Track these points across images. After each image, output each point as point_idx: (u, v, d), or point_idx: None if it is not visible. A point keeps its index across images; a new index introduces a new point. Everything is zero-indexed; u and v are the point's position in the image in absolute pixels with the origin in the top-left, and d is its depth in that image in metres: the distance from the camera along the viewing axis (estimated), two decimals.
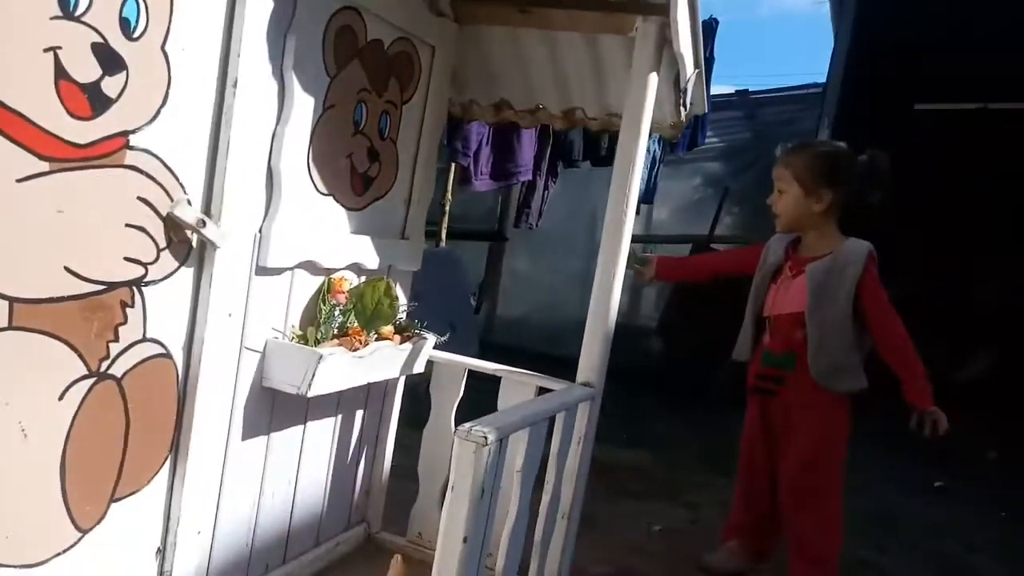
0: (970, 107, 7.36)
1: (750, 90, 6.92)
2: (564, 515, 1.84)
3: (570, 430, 1.74)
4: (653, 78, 1.79)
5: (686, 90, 1.99)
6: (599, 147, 4.64)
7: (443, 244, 5.19)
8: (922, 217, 7.24)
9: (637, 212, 6.03)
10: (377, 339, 1.78)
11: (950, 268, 7.38)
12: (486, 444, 1.29)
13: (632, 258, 2.32)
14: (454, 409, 2.04)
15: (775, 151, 2.57)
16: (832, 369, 2.32)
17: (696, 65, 1.99)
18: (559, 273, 6.63)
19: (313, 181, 1.67)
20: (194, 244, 1.39)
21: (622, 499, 3.28)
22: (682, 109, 2.05)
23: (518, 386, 1.93)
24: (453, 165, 4.47)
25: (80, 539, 1.26)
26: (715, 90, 6.08)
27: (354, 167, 1.80)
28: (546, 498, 1.73)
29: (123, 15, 1.20)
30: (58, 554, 1.24)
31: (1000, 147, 6.99)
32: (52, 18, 1.11)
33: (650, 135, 2.16)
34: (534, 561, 1.74)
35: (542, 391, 1.87)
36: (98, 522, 1.29)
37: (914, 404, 2.29)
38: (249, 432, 1.60)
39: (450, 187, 4.80)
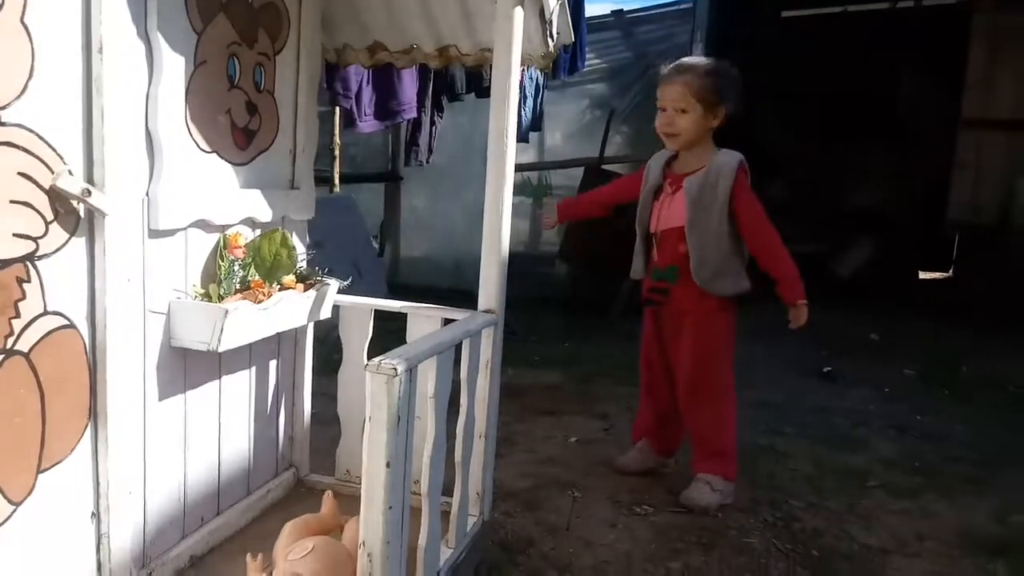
0: (834, 11, 7.72)
1: (625, 9, 7.01)
2: (481, 435, 1.96)
3: (476, 355, 1.84)
4: (519, 12, 1.85)
5: (551, 21, 2.07)
6: (481, 78, 4.66)
7: (337, 190, 5.16)
8: (795, 120, 7.63)
9: (526, 140, 6.09)
10: (280, 290, 1.82)
11: (824, 168, 7.84)
12: (396, 375, 1.38)
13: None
14: (365, 349, 2.11)
15: (658, 70, 2.67)
16: (714, 275, 2.52)
17: None
18: (457, 207, 6.68)
19: (194, 139, 1.67)
20: (82, 214, 1.39)
21: (538, 418, 3.46)
22: (549, 40, 2.13)
23: (424, 320, 2.02)
24: (337, 109, 4.42)
25: (14, 512, 1.29)
26: (591, 11, 6.17)
27: (234, 122, 1.81)
28: (461, 420, 1.84)
29: None
30: None
31: (862, 47, 7.38)
32: None
33: (523, 67, 2.23)
34: (457, 480, 1.86)
35: (447, 323, 1.97)
36: (29, 494, 1.32)
37: (784, 299, 2.53)
38: (165, 392, 1.63)
39: (336, 131, 4.75)
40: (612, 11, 7.05)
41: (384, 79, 4.20)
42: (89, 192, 1.37)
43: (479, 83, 4.72)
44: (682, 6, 6.54)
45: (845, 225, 7.55)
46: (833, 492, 2.81)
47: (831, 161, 7.84)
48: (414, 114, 4.51)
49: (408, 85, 4.36)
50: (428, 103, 4.59)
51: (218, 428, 1.84)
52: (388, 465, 1.41)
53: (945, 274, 7.95)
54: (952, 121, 6.67)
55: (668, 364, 2.71)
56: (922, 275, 8.03)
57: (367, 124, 4.26)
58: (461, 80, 4.69)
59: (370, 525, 1.41)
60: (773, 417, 3.62)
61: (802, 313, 2.52)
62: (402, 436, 1.44)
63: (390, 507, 1.41)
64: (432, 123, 4.73)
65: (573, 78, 6.76)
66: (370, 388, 1.39)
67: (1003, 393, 4.26)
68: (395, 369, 1.37)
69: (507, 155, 1.91)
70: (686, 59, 2.61)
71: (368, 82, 4.16)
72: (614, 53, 7.57)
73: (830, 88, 7.46)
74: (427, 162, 4.91)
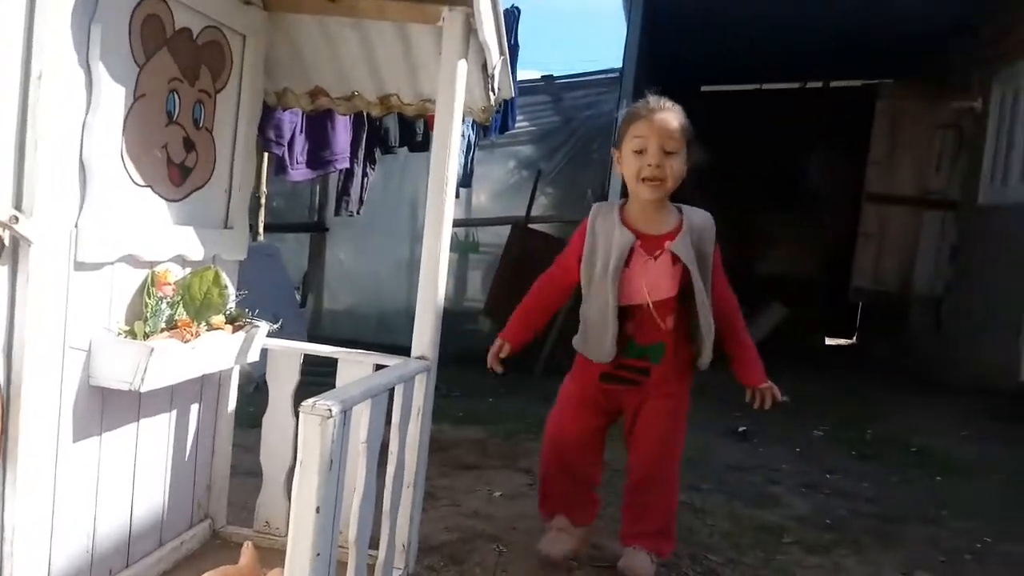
0: (748, 88, 8.18)
1: (555, 75, 7.25)
2: (409, 484, 1.93)
3: (409, 401, 1.83)
4: (462, 65, 1.91)
5: (493, 76, 2.13)
6: (415, 132, 4.73)
7: (261, 238, 5.07)
8: (713, 187, 7.98)
9: (457, 196, 6.18)
10: (208, 330, 1.78)
11: (737, 236, 8.18)
12: (330, 416, 1.35)
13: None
14: (292, 396, 2.06)
15: (631, 108, 2.30)
16: (709, 351, 2.25)
17: (501, 52, 2.13)
18: (383, 261, 6.66)
19: (128, 173, 1.64)
20: (6, 242, 1.34)
21: (462, 472, 3.41)
22: (491, 94, 2.19)
23: (355, 366, 1.99)
24: (266, 155, 4.38)
25: None
26: (522, 75, 6.34)
27: (170, 157, 1.78)
28: (391, 469, 1.81)
29: None
30: None
31: (774, 122, 7.83)
32: None
33: (463, 119, 2.28)
34: (384, 531, 1.82)
35: (379, 368, 1.95)
36: None
37: (751, 383, 2.28)
38: (80, 433, 1.55)
39: (264, 178, 4.70)
40: (542, 76, 7.28)
41: (318, 128, 4.20)
42: (16, 219, 1.32)
43: (412, 137, 4.77)
44: (610, 75, 6.81)
45: (756, 291, 7.86)
46: (750, 548, 2.85)
47: (744, 230, 8.19)
48: (346, 164, 4.51)
49: (342, 135, 4.37)
50: (361, 154, 4.60)
51: (133, 474, 1.76)
52: (318, 510, 1.37)
53: (849, 340, 8.33)
54: (856, 195, 7.10)
55: (600, 435, 2.42)
56: (828, 340, 8.40)
57: (299, 172, 4.23)
58: (395, 133, 4.73)
59: (297, 572, 1.36)
60: (690, 473, 3.65)
61: (774, 390, 2.31)
62: (333, 481, 1.41)
63: (318, 554, 1.37)
64: (364, 174, 4.73)
65: (502, 139, 6.91)
66: (303, 429, 1.36)
67: (905, 452, 4.45)
68: (330, 410, 1.35)
69: (446, 204, 1.94)
70: (661, 98, 2.23)
71: (302, 130, 4.15)
72: (542, 117, 7.79)
73: (743, 160, 7.85)
74: (358, 212, 4.90)
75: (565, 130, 7.52)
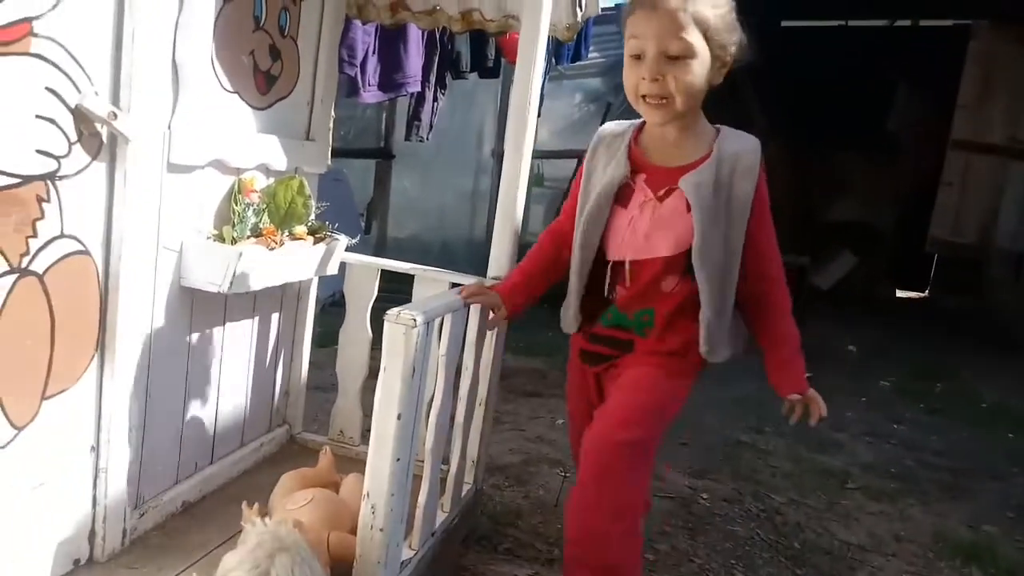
0: (832, 24, 7.79)
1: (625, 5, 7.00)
2: (481, 402, 1.95)
3: (485, 319, 1.83)
4: None
5: None
6: (486, 57, 4.64)
7: (328, 162, 5.10)
8: (788, 128, 7.70)
9: None
10: (291, 239, 1.79)
11: (810, 177, 7.91)
12: (415, 325, 1.36)
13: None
14: (368, 310, 2.09)
15: None
16: (726, 335, 1.60)
17: None
18: (447, 190, 6.64)
19: (218, 77, 1.64)
20: (104, 139, 1.36)
21: (524, 399, 3.45)
22: (578, 9, 2.11)
23: (432, 283, 1.99)
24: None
25: (15, 436, 1.26)
26: None
27: (257, 65, 1.77)
28: (464, 385, 1.83)
29: None
30: None
31: (858, 60, 7.46)
32: None
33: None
34: (456, 445, 1.85)
35: (454, 287, 1.95)
36: (32, 420, 1.28)
37: (784, 391, 1.62)
38: (171, 332, 1.60)
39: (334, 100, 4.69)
40: (615, 4, 7.04)
41: (391, 49, 4.15)
42: (115, 115, 1.33)
43: (483, 62, 4.68)
44: None
45: (827, 237, 7.63)
46: (813, 491, 2.83)
47: (817, 171, 7.91)
48: (418, 88, 4.45)
49: (414, 58, 4.30)
50: (433, 78, 4.54)
51: (218, 375, 1.81)
52: (399, 417, 1.39)
53: (922, 293, 8.06)
54: (941, 141, 6.77)
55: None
56: (900, 292, 8.15)
57: (371, 94, 4.20)
58: (466, 57, 4.64)
59: (376, 476, 1.39)
60: (752, 415, 3.64)
61: (819, 403, 1.62)
62: (415, 389, 1.42)
63: (398, 459, 1.40)
64: (435, 99, 4.67)
65: (570, 70, 6.74)
66: (388, 337, 1.36)
67: (975, 409, 4.33)
68: (414, 320, 1.36)
69: (528, 124, 1.89)
70: None
71: (374, 52, 4.09)
72: (611, 48, 7.57)
73: (823, 99, 7.53)
74: (427, 138, 4.86)
75: None
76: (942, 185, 6.78)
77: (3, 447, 1.24)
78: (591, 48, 6.16)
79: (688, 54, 1.45)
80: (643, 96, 1.50)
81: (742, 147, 1.55)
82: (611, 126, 1.70)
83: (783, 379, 1.62)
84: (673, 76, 1.45)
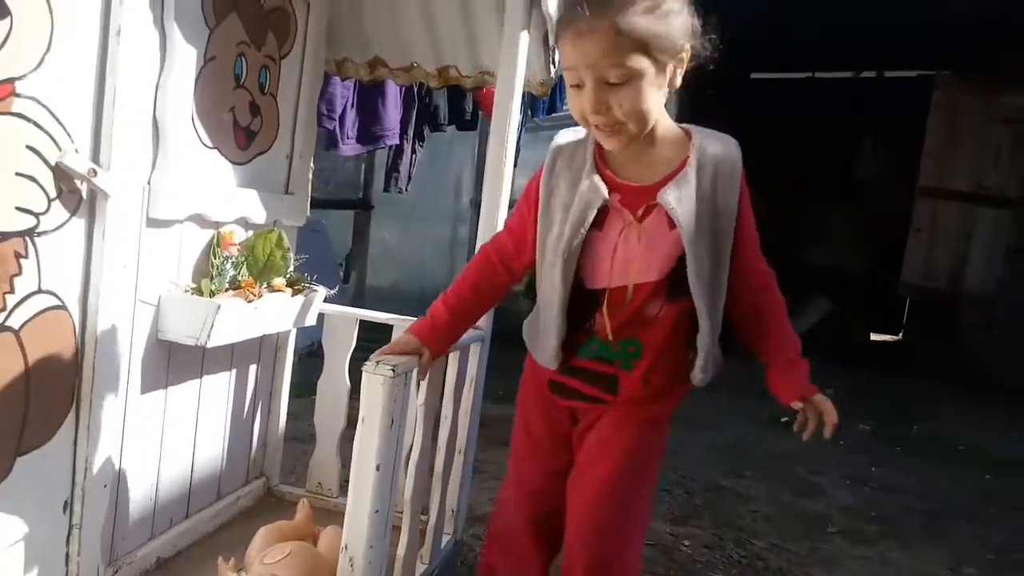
0: (799, 76, 8.02)
1: None
2: (460, 451, 1.95)
3: (464, 369, 1.84)
4: (524, 36, 1.90)
5: (555, 49, 2.12)
6: (464, 110, 4.72)
7: (307, 214, 5.13)
8: (759, 176, 7.88)
9: None
10: (270, 292, 1.81)
11: (784, 225, 8.05)
12: (393, 376, 1.37)
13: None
14: (347, 360, 2.09)
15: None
16: (714, 358, 1.44)
17: None
18: (426, 240, 6.68)
19: (198, 134, 1.67)
20: (84, 195, 1.37)
21: (503, 448, 3.41)
22: (552, 67, 2.18)
23: None
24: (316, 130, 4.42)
25: None
26: None
27: (237, 121, 1.81)
28: (443, 435, 1.83)
29: None
30: None
31: (826, 111, 7.68)
32: None
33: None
34: (435, 495, 1.84)
35: None
36: (4, 476, 1.27)
37: (790, 397, 1.43)
38: (148, 386, 1.60)
39: (313, 153, 4.74)
40: None
41: (369, 103, 4.22)
42: (95, 172, 1.35)
43: (461, 115, 4.77)
44: None
45: (801, 282, 7.74)
46: (794, 535, 2.83)
47: (791, 218, 8.06)
48: (396, 140, 4.52)
49: (392, 111, 4.38)
50: (411, 131, 4.61)
51: (195, 428, 1.80)
52: (378, 468, 1.39)
53: (895, 337, 8.17)
54: (909, 188, 6.94)
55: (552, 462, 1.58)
56: (874, 336, 8.25)
57: (349, 147, 4.26)
58: (444, 110, 4.73)
59: (355, 528, 1.38)
60: (732, 460, 3.65)
61: (829, 406, 1.42)
62: (393, 440, 1.42)
63: (376, 511, 1.39)
64: (413, 151, 4.74)
65: (546, 121, 6.87)
66: (366, 389, 1.37)
67: (953, 450, 4.37)
68: (393, 370, 1.37)
69: (504, 175, 1.94)
70: None
71: (353, 105, 4.17)
72: None
73: (793, 149, 7.72)
74: (406, 189, 4.92)
75: None
76: (912, 231, 6.92)
77: None
78: (566, 100, 6.29)
79: (629, 78, 1.26)
80: (594, 125, 1.33)
81: (722, 150, 1.39)
82: (566, 136, 1.48)
83: (789, 383, 1.43)
84: (618, 103, 1.28)
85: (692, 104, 6.19)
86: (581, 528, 1.45)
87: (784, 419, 4.56)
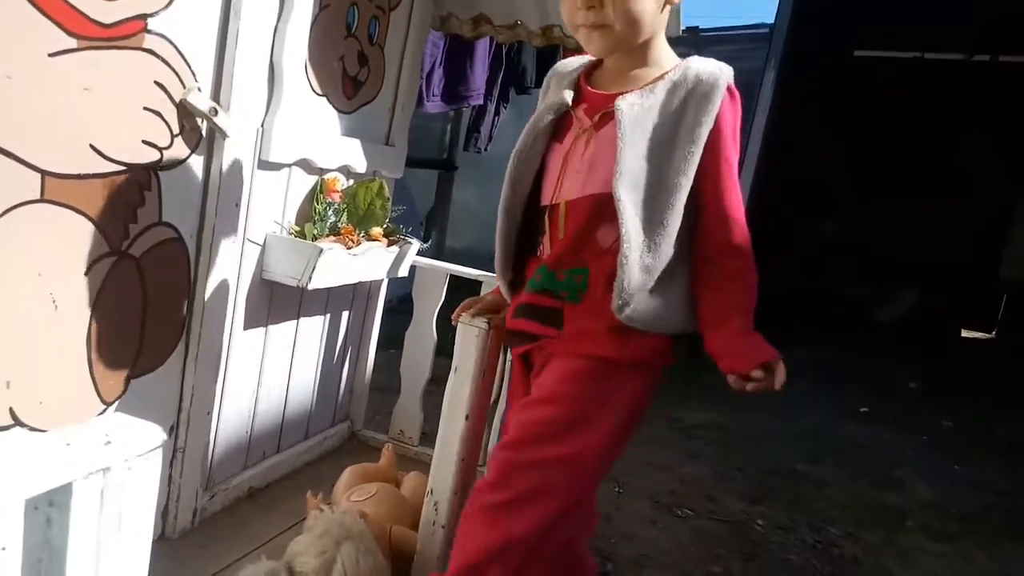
0: (907, 56, 7.64)
1: (700, 28, 7.00)
2: None
3: None
4: None
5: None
6: None
7: None
8: (857, 158, 7.58)
9: None
10: (367, 240, 1.84)
11: (879, 211, 7.75)
12: (488, 328, 1.39)
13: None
14: (435, 314, 2.12)
15: None
16: (659, 298, 1.22)
17: None
18: None
19: (309, 80, 1.70)
20: (204, 133, 1.42)
21: None
22: None
23: None
24: None
25: (104, 411, 1.32)
26: None
27: (346, 70, 1.83)
28: None
29: None
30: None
31: (933, 96, 7.31)
32: None
33: None
34: None
35: None
36: (120, 396, 1.35)
37: (757, 356, 1.22)
38: (250, 322, 1.66)
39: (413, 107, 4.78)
40: (687, 28, 7.04)
41: (456, 63, 4.22)
42: (216, 111, 1.39)
43: None
44: (759, 30, 6.52)
45: (893, 271, 7.46)
46: (871, 526, 2.76)
47: (887, 205, 7.74)
48: (480, 101, 4.52)
49: (479, 72, 4.37)
50: (496, 92, 4.60)
51: (289, 367, 1.86)
52: (467, 418, 1.42)
53: (989, 335, 7.81)
54: (1015, 179, 6.58)
55: None
56: (965, 333, 7.91)
57: (434, 104, 4.27)
58: (531, 73, 4.70)
59: (441, 474, 1.42)
60: (810, 446, 3.58)
61: (783, 368, 1.24)
62: (483, 392, 1.44)
63: (462, 459, 1.42)
64: (497, 112, 4.73)
65: None
66: (461, 340, 1.40)
67: None
68: (488, 323, 1.39)
69: None
70: None
71: (440, 64, 4.17)
72: None
73: (896, 131, 7.40)
74: (485, 149, 4.92)
75: None
76: (1015, 223, 6.57)
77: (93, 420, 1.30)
78: None
79: None
80: (580, 26, 1.25)
81: (706, 72, 1.22)
82: (568, 60, 1.41)
83: (745, 348, 1.22)
84: (611, 1, 1.19)
85: (793, 76, 6.00)
86: (489, 466, 1.26)
87: (863, 409, 4.45)
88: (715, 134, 1.21)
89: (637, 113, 1.21)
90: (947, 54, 7.41)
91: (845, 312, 7.06)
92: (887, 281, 7.29)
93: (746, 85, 6.59)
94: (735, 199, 1.25)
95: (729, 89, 1.22)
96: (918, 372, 5.87)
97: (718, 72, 1.22)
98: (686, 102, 1.21)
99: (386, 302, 2.23)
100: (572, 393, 1.24)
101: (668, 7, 1.24)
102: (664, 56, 1.28)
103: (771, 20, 6.11)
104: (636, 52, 1.26)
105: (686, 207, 1.21)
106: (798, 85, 6.27)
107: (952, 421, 4.64)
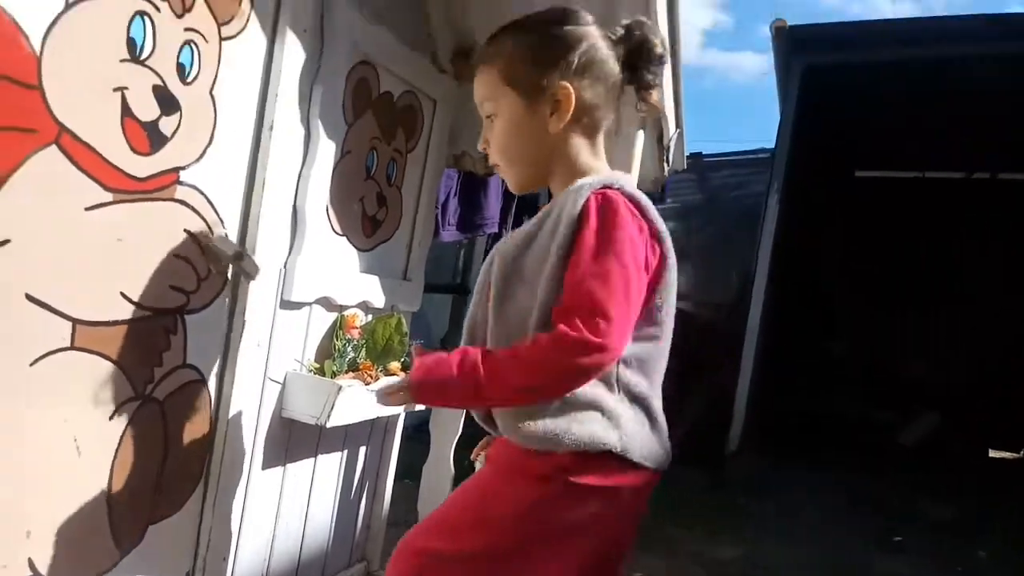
0: (908, 175, 7.84)
1: (703, 153, 7.24)
2: None
3: None
4: (640, 136, 1.95)
5: (669, 147, 2.16)
6: None
7: None
8: (863, 278, 7.63)
9: None
10: (385, 374, 1.84)
11: (892, 333, 7.73)
12: None
13: None
14: (452, 446, 2.10)
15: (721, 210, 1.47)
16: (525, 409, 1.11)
17: (678, 124, 2.17)
18: None
19: (330, 222, 1.76)
20: (229, 276, 1.46)
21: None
22: (665, 164, 2.21)
23: None
24: None
25: (119, 560, 1.29)
26: None
27: (365, 210, 1.90)
28: None
29: (180, 60, 1.30)
30: (100, 574, 1.26)
31: (936, 212, 7.44)
32: (121, 61, 1.20)
33: None
34: None
35: None
36: (136, 543, 1.32)
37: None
38: (269, 462, 1.64)
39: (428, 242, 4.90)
40: (690, 154, 7.28)
41: (471, 194, 4.36)
42: (241, 255, 1.44)
43: None
44: (760, 155, 6.73)
45: (910, 393, 7.34)
46: None
47: (899, 326, 7.72)
48: (496, 229, 4.64)
49: (493, 201, 4.50)
50: (510, 220, 4.73)
51: (306, 507, 1.83)
52: None
53: (1017, 455, 7.60)
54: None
55: None
56: (992, 453, 7.70)
57: (449, 234, 4.38)
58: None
59: None
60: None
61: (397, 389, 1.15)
62: None
63: None
64: None
65: None
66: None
67: None
68: None
69: None
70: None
71: (455, 194, 4.31)
72: (686, 194, 7.76)
73: (898, 251, 7.48)
74: None
75: (709, 209, 7.45)
76: None
77: (107, 571, 1.27)
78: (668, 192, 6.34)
79: (494, 112, 1.22)
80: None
81: (574, 192, 1.12)
82: None
83: (427, 362, 1.11)
84: (488, 139, 1.24)
85: (794, 200, 6.13)
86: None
87: (897, 539, 4.28)
88: (574, 244, 1.09)
89: (511, 254, 1.17)
90: (947, 173, 7.60)
91: (865, 436, 6.91)
92: (906, 402, 7.18)
93: (749, 208, 6.72)
94: (568, 302, 1.07)
95: (600, 196, 1.10)
96: (947, 497, 5.68)
97: (584, 192, 1.11)
98: (549, 223, 1.13)
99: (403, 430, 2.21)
100: (478, 487, 1.21)
101: (564, 119, 1.17)
102: (571, 177, 1.18)
103: (770, 144, 6.32)
104: (555, 177, 1.21)
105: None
106: (801, 207, 6.41)
107: (986, 551, 4.46)
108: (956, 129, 5.95)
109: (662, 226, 1.16)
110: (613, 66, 1.21)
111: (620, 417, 1.10)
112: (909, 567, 3.92)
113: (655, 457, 1.14)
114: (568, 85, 1.17)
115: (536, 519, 1.11)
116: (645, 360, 1.15)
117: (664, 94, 2.01)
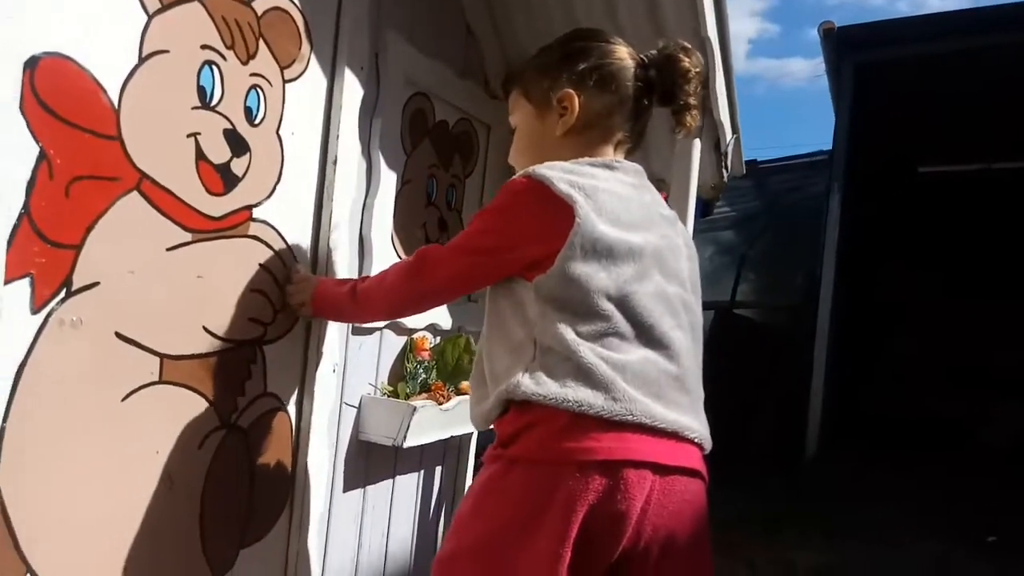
0: (973, 168, 7.59)
1: (758, 160, 7.16)
2: None
3: None
4: (697, 144, 1.96)
5: (727, 153, 2.16)
6: None
7: None
8: (933, 275, 7.39)
9: None
10: (456, 394, 1.88)
11: (966, 325, 7.44)
12: None
13: None
14: None
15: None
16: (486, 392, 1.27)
17: (734, 130, 2.17)
18: None
19: (395, 248, 1.81)
20: None
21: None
22: (724, 171, 2.21)
23: None
24: None
25: None
26: None
27: (427, 235, 1.95)
28: None
29: (247, 105, 1.37)
30: None
31: (1005, 204, 7.17)
32: (193, 108, 1.27)
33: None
34: None
35: None
36: (230, 568, 1.37)
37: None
38: (349, 484, 1.69)
39: None
40: (744, 161, 7.21)
41: None
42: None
43: None
44: (815, 158, 6.62)
45: (990, 390, 7.04)
46: None
47: (973, 321, 7.44)
48: None
49: None
50: None
51: (387, 527, 1.86)
52: None
53: None
54: None
55: None
56: None
57: None
58: None
59: None
60: None
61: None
62: None
63: None
64: None
65: (700, 224, 6.87)
66: None
67: None
68: None
69: None
70: None
71: None
72: (742, 201, 7.68)
73: (970, 244, 7.23)
74: None
75: (768, 215, 7.35)
76: None
77: None
78: (720, 202, 6.28)
79: (515, 125, 1.33)
80: None
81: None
82: None
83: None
84: (513, 145, 1.34)
85: (857, 199, 6.01)
86: None
87: (991, 538, 4.09)
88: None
89: None
90: (1014, 163, 7.32)
91: (944, 434, 6.65)
92: (984, 399, 6.89)
93: (809, 210, 6.60)
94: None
95: (529, 180, 1.15)
96: None
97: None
98: None
99: (476, 452, 2.24)
100: (477, 487, 1.25)
101: (568, 124, 1.21)
102: None
103: (826, 146, 6.21)
104: None
105: (510, 299, 1.22)
106: (864, 206, 6.26)
107: None
108: (1018, 116, 5.75)
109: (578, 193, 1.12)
110: (630, 81, 1.23)
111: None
112: (1001, 568, 3.76)
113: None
114: (573, 92, 1.21)
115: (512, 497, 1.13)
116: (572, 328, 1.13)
117: (719, 99, 2.01)
